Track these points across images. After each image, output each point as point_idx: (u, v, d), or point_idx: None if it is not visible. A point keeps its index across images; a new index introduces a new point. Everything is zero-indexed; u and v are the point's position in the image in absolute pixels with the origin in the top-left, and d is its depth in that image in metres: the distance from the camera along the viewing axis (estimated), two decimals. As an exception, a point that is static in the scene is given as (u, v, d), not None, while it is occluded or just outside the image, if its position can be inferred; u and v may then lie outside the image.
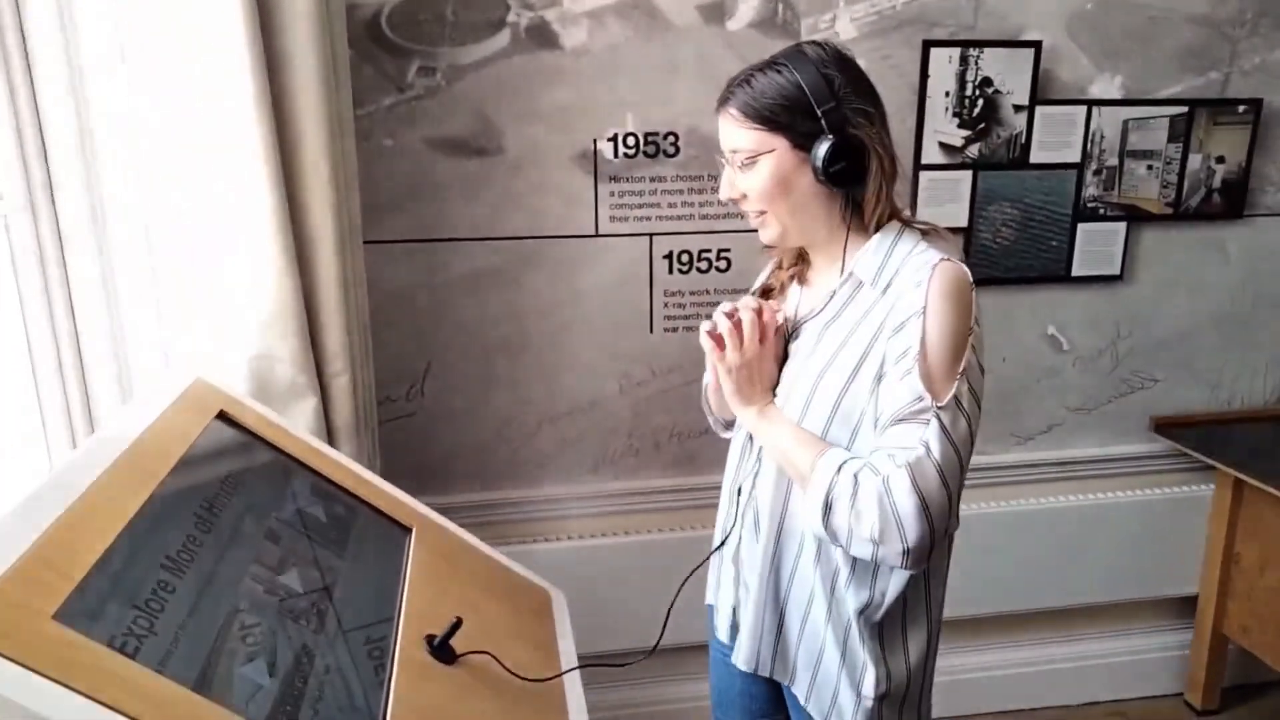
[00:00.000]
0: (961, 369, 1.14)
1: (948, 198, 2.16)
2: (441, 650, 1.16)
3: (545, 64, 1.96)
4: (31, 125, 1.44)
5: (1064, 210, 2.22)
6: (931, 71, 2.08)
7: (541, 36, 1.95)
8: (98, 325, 1.54)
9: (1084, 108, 2.17)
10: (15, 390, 1.48)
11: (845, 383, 1.19)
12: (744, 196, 1.23)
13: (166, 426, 1.20)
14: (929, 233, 1.24)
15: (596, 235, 2.06)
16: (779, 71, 1.17)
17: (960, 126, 2.13)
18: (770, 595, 1.32)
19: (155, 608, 0.92)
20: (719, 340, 1.25)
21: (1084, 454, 2.42)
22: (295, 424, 1.52)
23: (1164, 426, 2.41)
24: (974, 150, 2.15)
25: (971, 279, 1.18)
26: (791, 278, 1.36)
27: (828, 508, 1.14)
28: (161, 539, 1.02)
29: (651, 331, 2.14)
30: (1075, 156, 2.19)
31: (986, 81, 2.11)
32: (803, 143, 1.16)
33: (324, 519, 1.34)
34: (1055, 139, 2.17)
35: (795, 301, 1.34)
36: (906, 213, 1.27)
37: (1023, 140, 2.16)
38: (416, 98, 1.93)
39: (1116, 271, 2.29)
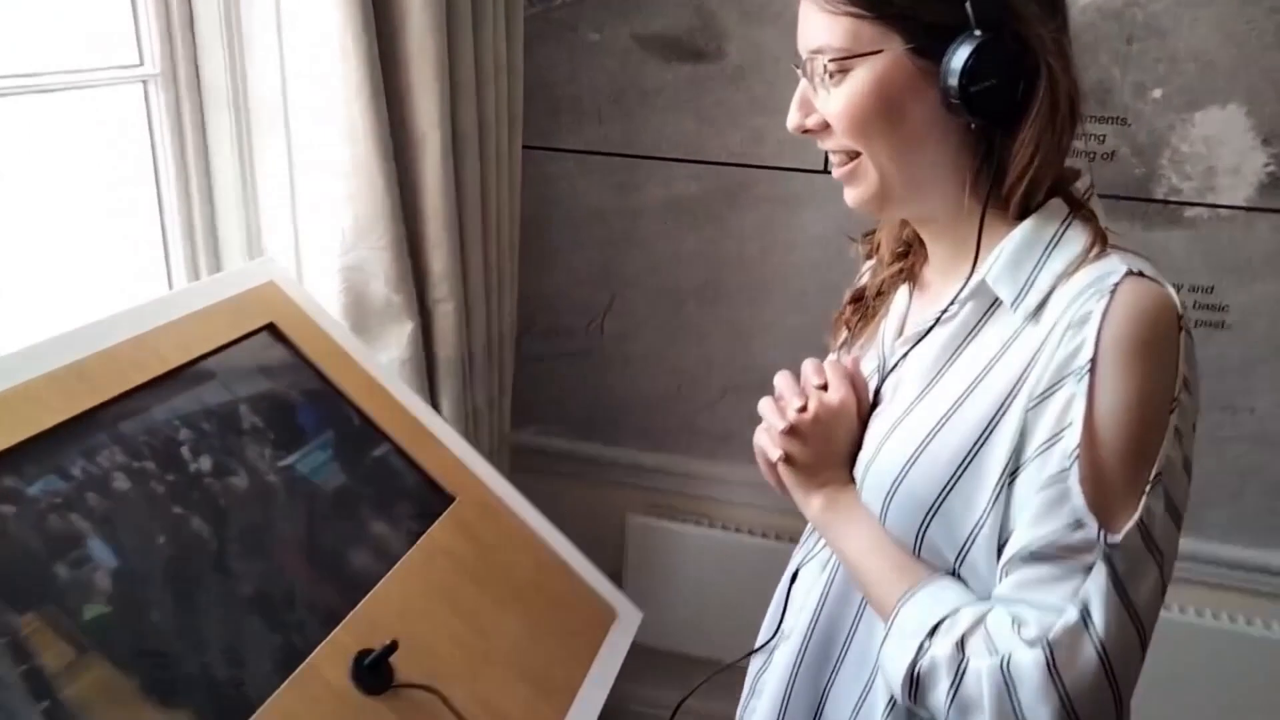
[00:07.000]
0: (1155, 473, 0.68)
1: None
2: (370, 673, 0.93)
3: (789, -51, 1.55)
4: None
5: None
6: None
7: (790, -87, 1.54)
8: (232, 196, 1.46)
9: None
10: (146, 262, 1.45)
11: (973, 446, 0.74)
12: (825, 127, 0.78)
13: (186, 327, 1.07)
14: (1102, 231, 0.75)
15: (823, 170, 1.64)
16: None
17: None
18: None
19: None
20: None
21: None
22: (389, 350, 1.36)
23: None
24: None
25: (1180, 309, 0.69)
26: (898, 277, 0.90)
27: (914, 682, 0.73)
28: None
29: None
30: None
31: None
32: (928, 44, 0.72)
33: (340, 469, 1.15)
34: None
35: (902, 313, 0.89)
36: (1082, 185, 0.77)
37: None
38: (630, -16, 1.63)
39: None
